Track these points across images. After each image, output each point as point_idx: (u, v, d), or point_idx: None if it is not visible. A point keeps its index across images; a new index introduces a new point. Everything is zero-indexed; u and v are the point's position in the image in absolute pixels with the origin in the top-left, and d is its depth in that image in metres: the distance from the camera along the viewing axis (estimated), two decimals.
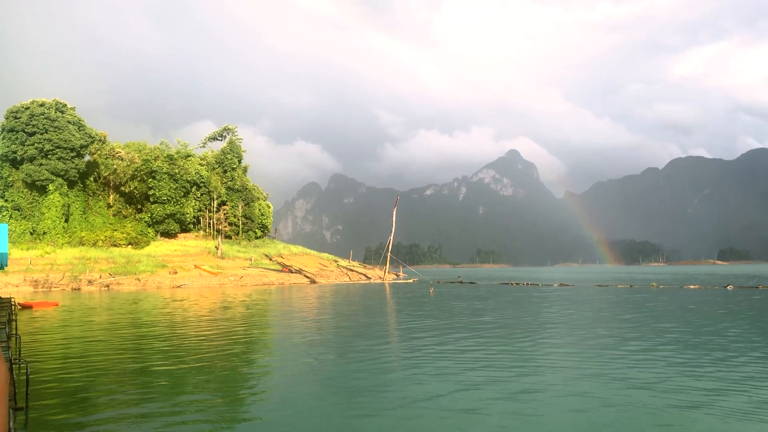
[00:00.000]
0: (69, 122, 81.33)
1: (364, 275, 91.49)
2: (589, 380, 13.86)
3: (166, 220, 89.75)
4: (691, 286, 59.36)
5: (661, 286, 60.76)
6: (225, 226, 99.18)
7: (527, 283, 73.23)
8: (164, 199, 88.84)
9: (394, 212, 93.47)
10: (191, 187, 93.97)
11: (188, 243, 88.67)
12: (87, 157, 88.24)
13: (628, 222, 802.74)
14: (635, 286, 63.16)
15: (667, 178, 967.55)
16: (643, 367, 15.37)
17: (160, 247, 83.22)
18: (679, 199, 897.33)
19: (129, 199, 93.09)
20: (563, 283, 71.64)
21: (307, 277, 79.13)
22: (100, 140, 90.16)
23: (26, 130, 78.28)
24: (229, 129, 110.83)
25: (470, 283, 79.50)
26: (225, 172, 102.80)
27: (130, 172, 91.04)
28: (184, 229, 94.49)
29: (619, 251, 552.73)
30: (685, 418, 10.62)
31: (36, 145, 77.88)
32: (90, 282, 64.22)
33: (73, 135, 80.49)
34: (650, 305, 36.61)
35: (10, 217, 79.09)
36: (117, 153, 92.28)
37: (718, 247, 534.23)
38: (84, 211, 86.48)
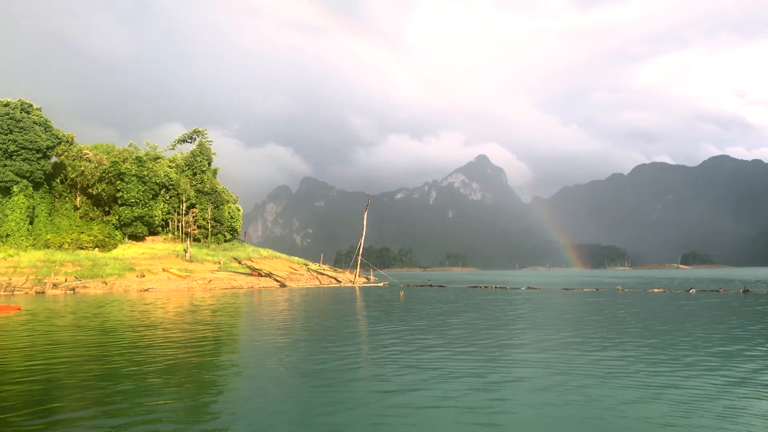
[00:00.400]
0: (35, 123, 79.86)
1: (335, 279, 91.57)
2: (552, 379, 14.43)
3: (134, 223, 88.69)
4: (655, 290, 60.82)
5: (626, 290, 62.13)
6: (194, 229, 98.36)
7: (496, 287, 74.17)
8: (132, 202, 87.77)
9: (365, 216, 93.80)
10: (160, 189, 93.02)
11: (156, 246, 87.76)
12: (53, 159, 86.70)
13: (594, 226, 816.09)
14: (601, 289, 64.47)
15: (631, 183, 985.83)
16: (606, 367, 16.01)
17: (127, 250, 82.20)
18: (643, 205, 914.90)
19: (96, 201, 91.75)
20: (531, 287, 72.79)
21: (277, 280, 78.96)
22: (68, 141, 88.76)
23: None
24: (198, 131, 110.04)
25: (440, 286, 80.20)
26: (194, 174, 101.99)
27: (98, 174, 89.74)
28: (153, 232, 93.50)
29: (585, 255, 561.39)
30: (642, 410, 11.25)
31: (0, 145, 76.36)
32: (55, 285, 63.24)
33: (39, 136, 79.09)
34: (615, 308, 37.55)
35: None
36: (84, 155, 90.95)
37: (681, 251, 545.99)
38: (50, 213, 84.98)
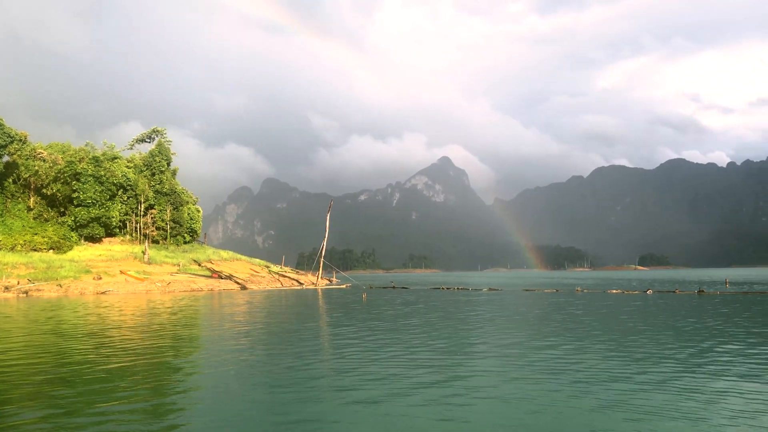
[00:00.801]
0: None
1: (297, 281, 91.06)
2: (513, 382, 14.67)
3: (91, 224, 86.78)
4: (614, 291, 61.92)
5: (585, 291, 63.15)
6: (152, 231, 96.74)
7: (458, 288, 74.80)
8: (89, 202, 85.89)
9: (328, 217, 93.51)
10: (117, 190, 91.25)
11: (114, 248, 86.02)
12: (5, 158, 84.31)
13: (554, 228, 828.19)
14: (561, 290, 65.44)
15: (591, 186, 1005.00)
16: (564, 363, 16.35)
17: (83, 251, 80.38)
18: (602, 207, 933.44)
19: (51, 201, 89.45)
20: (492, 288, 73.55)
21: (238, 283, 78.14)
22: (20, 140, 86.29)
23: None
24: (157, 131, 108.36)
25: (403, 288, 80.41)
26: (153, 175, 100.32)
27: (53, 173, 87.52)
28: (110, 234, 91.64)
29: (545, 257, 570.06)
30: (595, 401, 11.53)
31: None
32: (7, 288, 61.32)
33: None
34: (574, 308, 38.22)
35: None
36: (39, 154, 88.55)
37: (639, 253, 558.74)
38: (1, 214, 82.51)
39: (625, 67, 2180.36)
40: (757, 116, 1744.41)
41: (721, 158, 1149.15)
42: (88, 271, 70.03)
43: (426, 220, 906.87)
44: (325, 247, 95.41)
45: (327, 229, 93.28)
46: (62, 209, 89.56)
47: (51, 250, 77.17)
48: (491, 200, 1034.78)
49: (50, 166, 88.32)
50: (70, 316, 35.59)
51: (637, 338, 22.34)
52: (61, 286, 63.50)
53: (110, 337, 24.39)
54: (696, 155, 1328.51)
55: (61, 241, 79.76)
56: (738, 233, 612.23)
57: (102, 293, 62.09)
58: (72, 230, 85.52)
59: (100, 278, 68.24)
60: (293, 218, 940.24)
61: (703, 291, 57.56)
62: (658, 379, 14.42)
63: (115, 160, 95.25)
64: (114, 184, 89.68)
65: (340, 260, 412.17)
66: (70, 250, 79.90)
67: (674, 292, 58.71)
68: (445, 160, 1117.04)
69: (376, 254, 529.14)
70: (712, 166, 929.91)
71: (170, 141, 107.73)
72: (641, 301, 45.26)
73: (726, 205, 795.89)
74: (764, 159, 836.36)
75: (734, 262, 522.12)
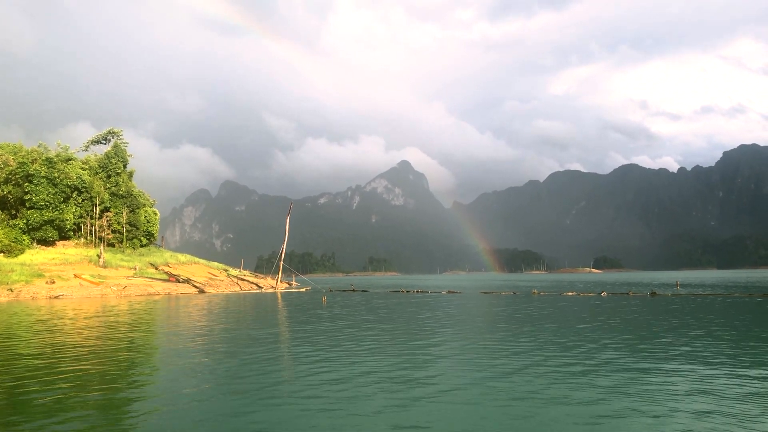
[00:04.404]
0: None
1: (256, 285, 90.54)
2: (470, 378, 15.23)
3: (44, 227, 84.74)
4: (569, 293, 63.33)
5: (541, 293, 64.44)
6: (108, 234, 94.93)
7: (417, 291, 75.51)
8: (42, 205, 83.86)
9: (288, 220, 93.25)
10: (72, 192, 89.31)
11: (68, 251, 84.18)
12: None
13: (511, 231, 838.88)
14: (518, 293, 66.71)
15: (547, 190, 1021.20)
16: (521, 365, 16.94)
17: (36, 255, 78.47)
18: (558, 210, 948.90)
19: (2, 204, 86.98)
20: (451, 291, 74.48)
21: (196, 286, 77.36)
22: None
23: None
24: (114, 132, 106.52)
25: (362, 291, 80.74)
26: (109, 177, 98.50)
27: (4, 175, 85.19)
28: (64, 237, 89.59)
29: (503, 259, 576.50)
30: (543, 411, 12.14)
31: None
32: None
33: None
34: (530, 310, 39.11)
35: None
36: None
37: (593, 256, 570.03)
38: None
39: (574, 74, 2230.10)
40: (702, 123, 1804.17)
41: (670, 164, 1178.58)
42: (40, 275, 68.46)
43: (386, 223, 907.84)
44: (284, 250, 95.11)
45: (287, 233, 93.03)
46: (13, 212, 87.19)
47: (1, 254, 75.15)
48: (450, 204, 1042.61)
49: (1, 168, 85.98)
50: (19, 322, 34.79)
51: (593, 344, 23.13)
52: (12, 291, 61.96)
53: (62, 343, 24.04)
54: (646, 160, 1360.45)
55: (12, 244, 77.71)
56: (688, 237, 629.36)
57: (55, 298, 60.81)
58: (24, 233, 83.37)
59: (54, 282, 66.77)
60: (252, 221, 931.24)
61: (655, 293, 59.39)
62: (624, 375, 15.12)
63: (70, 162, 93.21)
64: (68, 186, 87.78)
65: (299, 263, 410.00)
66: (22, 253, 77.91)
67: (628, 294, 60.35)
68: (405, 164, 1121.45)
69: (335, 257, 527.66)
70: (663, 172, 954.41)
71: (126, 143, 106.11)
72: (597, 303, 46.51)
73: (676, 210, 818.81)
74: (713, 165, 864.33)
75: (684, 265, 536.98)
